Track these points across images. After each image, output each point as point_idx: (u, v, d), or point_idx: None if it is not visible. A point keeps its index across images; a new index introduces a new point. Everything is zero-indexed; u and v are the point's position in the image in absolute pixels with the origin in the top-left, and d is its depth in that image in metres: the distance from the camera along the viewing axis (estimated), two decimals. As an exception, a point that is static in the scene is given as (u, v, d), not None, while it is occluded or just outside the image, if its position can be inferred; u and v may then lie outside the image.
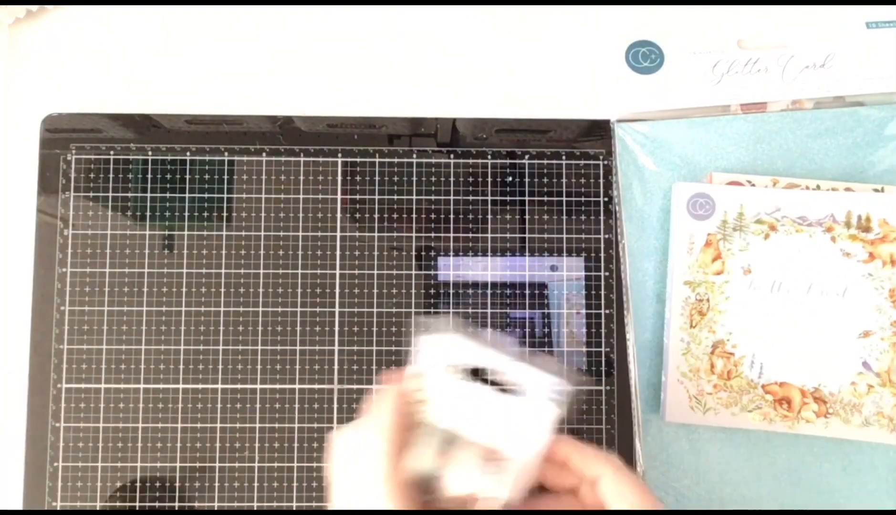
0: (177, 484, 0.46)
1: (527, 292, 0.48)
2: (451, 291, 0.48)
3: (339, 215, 0.48)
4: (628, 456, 0.46)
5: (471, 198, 0.48)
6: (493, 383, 0.37)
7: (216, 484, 0.46)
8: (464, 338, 0.37)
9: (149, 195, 0.48)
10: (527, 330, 0.47)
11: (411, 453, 0.35)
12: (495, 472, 0.35)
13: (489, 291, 0.48)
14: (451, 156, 0.49)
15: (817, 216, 0.45)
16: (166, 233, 0.48)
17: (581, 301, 0.48)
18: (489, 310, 0.47)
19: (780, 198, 0.46)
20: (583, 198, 0.48)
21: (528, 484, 0.35)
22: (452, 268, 0.48)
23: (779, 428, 0.45)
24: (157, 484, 0.46)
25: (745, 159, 0.47)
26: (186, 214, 0.48)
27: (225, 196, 0.48)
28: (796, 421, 0.45)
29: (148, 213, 0.48)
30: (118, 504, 0.46)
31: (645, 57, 0.48)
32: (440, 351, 0.37)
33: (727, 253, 0.46)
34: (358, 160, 0.48)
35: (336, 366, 0.47)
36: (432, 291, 0.48)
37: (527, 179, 0.48)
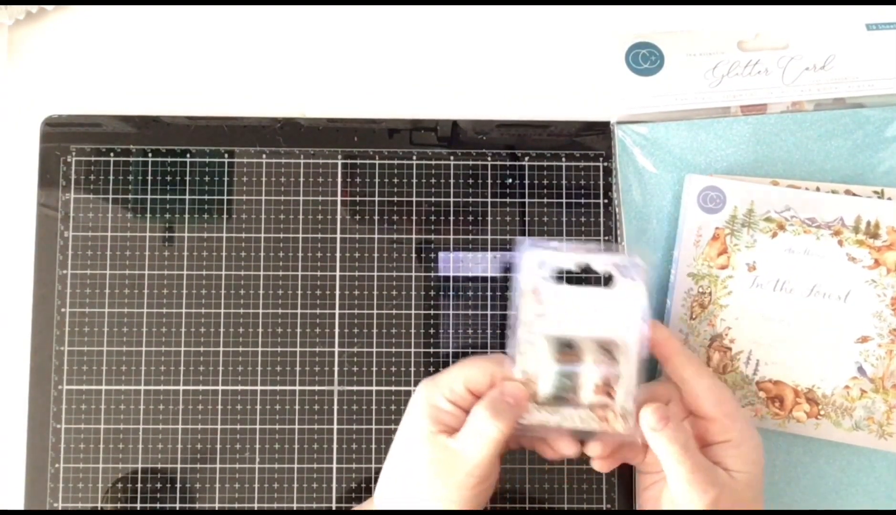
0: (177, 485, 0.46)
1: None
2: (451, 293, 0.48)
3: (339, 216, 0.48)
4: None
5: (470, 199, 0.48)
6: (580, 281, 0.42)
7: (216, 485, 0.46)
8: (544, 250, 0.41)
9: (149, 196, 0.48)
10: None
11: (529, 368, 0.39)
12: (612, 361, 0.39)
13: (489, 293, 0.48)
14: (452, 157, 0.49)
15: (827, 218, 0.45)
16: (166, 234, 0.48)
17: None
18: (489, 311, 0.48)
19: (790, 197, 0.46)
20: (582, 200, 0.48)
21: (641, 367, 0.39)
22: (452, 269, 0.48)
23: (769, 425, 0.45)
24: (158, 485, 0.46)
25: (745, 161, 0.47)
26: (186, 215, 0.48)
27: (225, 196, 0.48)
28: (787, 419, 0.45)
29: (148, 214, 0.48)
30: (119, 504, 0.46)
31: (645, 58, 0.48)
32: (533, 265, 0.40)
33: (734, 248, 0.46)
34: (358, 161, 0.48)
35: (336, 368, 0.47)
36: (432, 293, 0.48)
37: (526, 181, 0.48)
